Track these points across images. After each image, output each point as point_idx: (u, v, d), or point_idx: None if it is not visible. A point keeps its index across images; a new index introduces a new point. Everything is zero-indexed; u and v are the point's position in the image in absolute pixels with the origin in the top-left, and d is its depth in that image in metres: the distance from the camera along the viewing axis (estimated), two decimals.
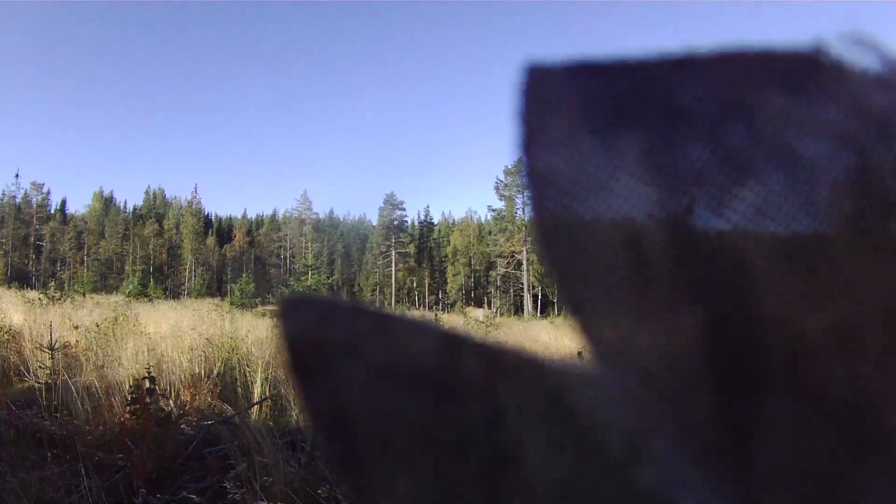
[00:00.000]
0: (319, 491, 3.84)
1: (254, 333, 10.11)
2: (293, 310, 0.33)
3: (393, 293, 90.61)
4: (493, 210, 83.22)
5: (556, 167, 0.28)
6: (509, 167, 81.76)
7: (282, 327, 0.33)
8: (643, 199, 0.26)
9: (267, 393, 6.95)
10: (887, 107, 0.25)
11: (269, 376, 7.23)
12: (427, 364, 0.30)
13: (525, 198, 0.29)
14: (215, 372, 7.81)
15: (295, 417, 6.49)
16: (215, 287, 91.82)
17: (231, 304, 25.55)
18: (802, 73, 0.25)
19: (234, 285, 29.36)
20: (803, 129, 0.25)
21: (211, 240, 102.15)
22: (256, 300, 27.92)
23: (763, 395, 0.24)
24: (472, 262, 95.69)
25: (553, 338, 14.67)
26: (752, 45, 0.26)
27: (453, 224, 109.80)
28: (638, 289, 0.26)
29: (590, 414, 0.28)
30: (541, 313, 75.90)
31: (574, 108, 0.28)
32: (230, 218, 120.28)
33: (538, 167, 0.28)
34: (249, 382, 7.37)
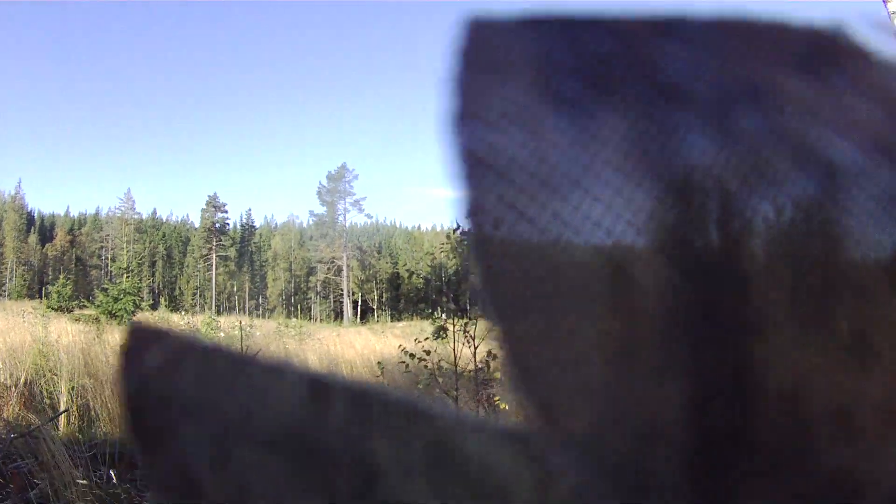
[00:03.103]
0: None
1: (65, 339, 9.79)
2: (141, 345, 0.29)
3: (213, 297, 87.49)
4: (315, 215, 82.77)
5: (506, 152, 0.20)
6: (332, 172, 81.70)
7: (125, 369, 0.29)
8: (631, 204, 0.20)
9: (74, 403, 6.86)
10: None
11: (76, 385, 7.12)
12: (288, 419, 0.26)
13: (454, 196, 0.21)
14: (23, 380, 7.56)
15: (103, 429, 6.49)
16: (37, 288, 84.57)
17: (48, 307, 23.85)
18: (822, 56, 0.21)
19: (52, 287, 27.29)
20: (828, 125, 0.20)
21: (33, 238, 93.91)
22: (74, 303, 26.10)
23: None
24: (293, 268, 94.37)
25: (366, 343, 15.17)
26: (757, 15, 0.22)
27: (275, 228, 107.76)
28: (625, 342, 0.20)
29: (486, 472, 0.23)
30: (361, 319, 76.54)
31: (532, 75, 0.21)
32: (53, 215, 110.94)
33: (480, 152, 0.20)
34: (56, 392, 7.23)
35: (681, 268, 0.20)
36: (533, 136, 0.21)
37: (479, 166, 0.21)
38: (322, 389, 0.26)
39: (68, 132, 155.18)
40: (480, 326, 5.03)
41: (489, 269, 0.21)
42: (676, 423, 0.20)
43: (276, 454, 0.26)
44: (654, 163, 0.21)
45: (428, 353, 5.25)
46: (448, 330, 5.17)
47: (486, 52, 0.22)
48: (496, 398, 5.42)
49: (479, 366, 5.23)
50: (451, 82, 0.22)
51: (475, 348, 5.11)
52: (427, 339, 5.30)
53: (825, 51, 0.22)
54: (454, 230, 5.54)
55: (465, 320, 5.17)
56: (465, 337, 5.11)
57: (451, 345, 5.17)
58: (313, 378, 0.27)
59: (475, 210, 0.21)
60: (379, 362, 5.89)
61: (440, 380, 5.35)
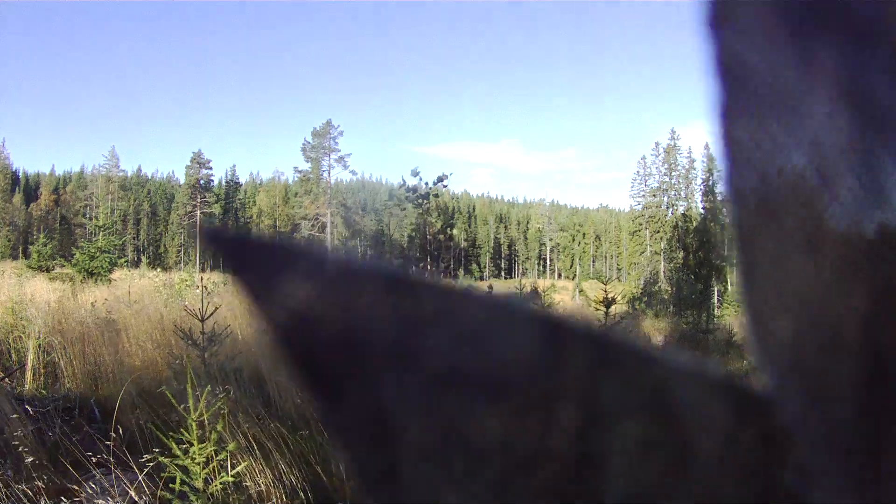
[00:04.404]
0: (60, 453, 4.16)
1: (40, 297, 9.88)
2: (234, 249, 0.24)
3: (198, 254, 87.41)
4: (300, 171, 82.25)
5: (752, 63, 0.25)
6: (317, 129, 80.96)
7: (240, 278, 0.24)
8: (838, 129, 0.24)
9: (40, 361, 6.97)
10: None
11: (43, 343, 7.23)
12: (525, 354, 0.24)
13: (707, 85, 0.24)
14: None
15: (67, 385, 6.61)
16: (21, 248, 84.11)
17: (28, 266, 23.68)
18: None
19: (33, 246, 27.07)
20: None
21: (18, 198, 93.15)
22: (54, 262, 25.85)
23: None
24: (278, 224, 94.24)
25: None
26: None
27: (260, 184, 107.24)
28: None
29: (705, 422, 0.24)
30: None
31: (769, 8, 0.25)
32: (38, 174, 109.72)
33: (731, 57, 0.25)
34: (23, 350, 7.34)
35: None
36: (770, 58, 0.25)
37: (734, 70, 0.25)
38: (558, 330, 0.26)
39: (53, 90, 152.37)
40: None
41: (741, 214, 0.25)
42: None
43: (501, 386, 0.25)
44: (852, 95, 0.24)
45: None
46: None
47: None
48: None
49: None
50: (707, 25, 0.25)
51: None
52: None
53: None
54: (399, 186, 5.62)
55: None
56: None
57: None
58: (546, 317, 0.26)
59: (729, 114, 0.25)
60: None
61: None
